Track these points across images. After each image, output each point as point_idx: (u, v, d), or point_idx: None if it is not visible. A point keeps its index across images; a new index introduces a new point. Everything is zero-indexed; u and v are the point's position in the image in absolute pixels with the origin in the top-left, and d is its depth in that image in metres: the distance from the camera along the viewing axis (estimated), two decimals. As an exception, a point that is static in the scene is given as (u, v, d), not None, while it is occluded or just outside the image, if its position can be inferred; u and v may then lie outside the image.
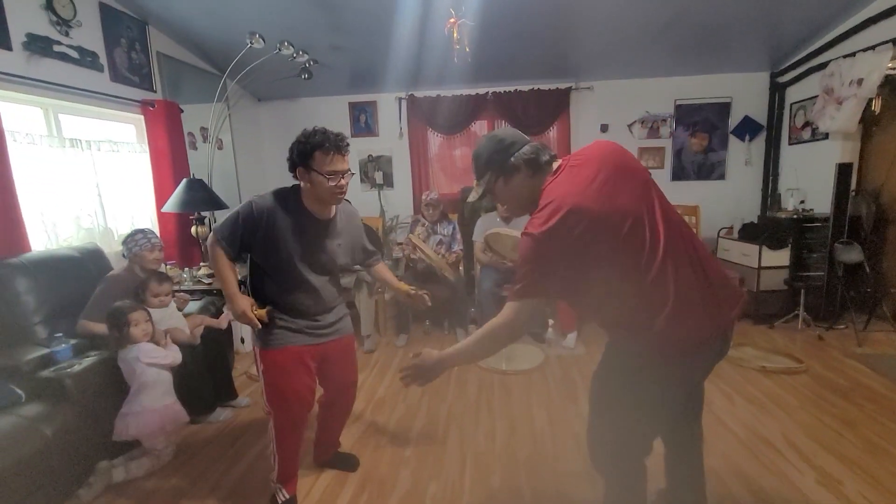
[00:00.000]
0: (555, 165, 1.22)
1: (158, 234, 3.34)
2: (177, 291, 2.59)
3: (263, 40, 3.07)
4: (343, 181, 1.53)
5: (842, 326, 3.34)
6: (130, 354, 1.96)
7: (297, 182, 1.58)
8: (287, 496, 1.71)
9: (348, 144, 1.55)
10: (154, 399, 1.97)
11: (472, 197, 1.34)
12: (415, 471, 1.91)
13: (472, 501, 1.72)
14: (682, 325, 1.09)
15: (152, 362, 2.00)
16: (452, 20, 1.95)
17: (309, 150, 1.49)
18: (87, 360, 1.95)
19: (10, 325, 2.09)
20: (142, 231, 2.44)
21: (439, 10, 2.89)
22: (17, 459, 1.56)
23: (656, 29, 3.59)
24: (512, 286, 1.15)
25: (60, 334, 1.98)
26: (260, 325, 1.55)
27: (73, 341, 2.00)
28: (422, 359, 1.28)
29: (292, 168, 1.55)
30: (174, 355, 2.09)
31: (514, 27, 3.49)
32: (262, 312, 1.55)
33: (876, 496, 1.67)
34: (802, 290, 3.41)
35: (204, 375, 2.37)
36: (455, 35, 1.92)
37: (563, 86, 4.46)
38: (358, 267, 1.92)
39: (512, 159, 1.22)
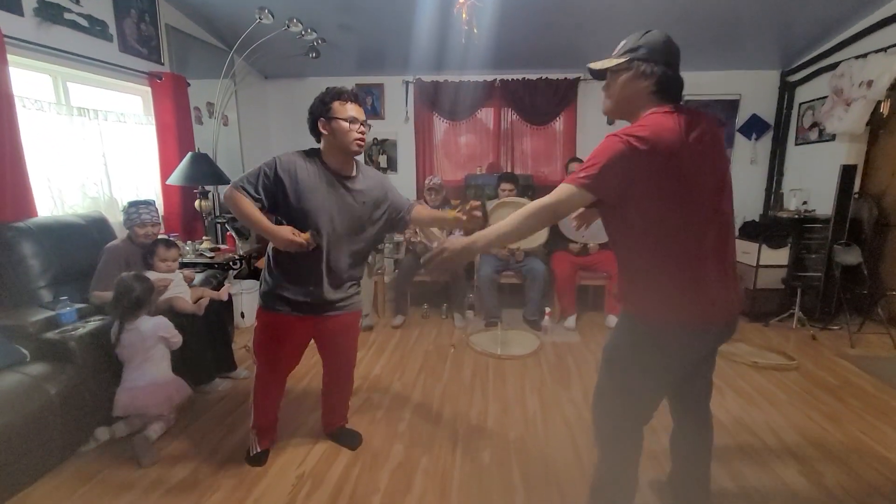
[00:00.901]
0: (672, 106, 1.19)
1: (161, 206, 3.40)
2: (182, 265, 2.61)
3: (272, 16, 3.06)
4: (363, 128, 1.61)
5: (836, 327, 3.37)
6: (146, 325, 1.99)
7: (315, 147, 1.67)
8: (259, 449, 1.82)
9: (362, 98, 1.66)
10: (162, 372, 2.03)
11: (596, 65, 1.28)
12: (408, 445, 1.96)
13: (462, 476, 1.77)
14: (697, 296, 1.17)
15: (167, 336, 2.04)
16: (462, 1, 1.94)
17: (328, 101, 1.59)
18: (91, 324, 1.99)
19: (15, 287, 2.13)
20: (135, 205, 2.39)
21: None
22: (23, 415, 1.61)
23: (667, 22, 3.55)
24: (575, 174, 1.17)
25: (66, 298, 2.02)
26: (308, 246, 1.53)
27: (77, 305, 2.04)
28: (450, 243, 1.28)
29: (314, 124, 1.63)
30: (179, 337, 2.12)
31: (524, 14, 3.46)
32: (307, 235, 1.54)
33: (855, 488, 1.71)
34: (799, 290, 3.43)
35: (205, 346, 2.41)
36: (464, 16, 1.91)
37: (571, 76, 4.45)
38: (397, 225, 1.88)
39: (656, 67, 1.19)
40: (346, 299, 1.77)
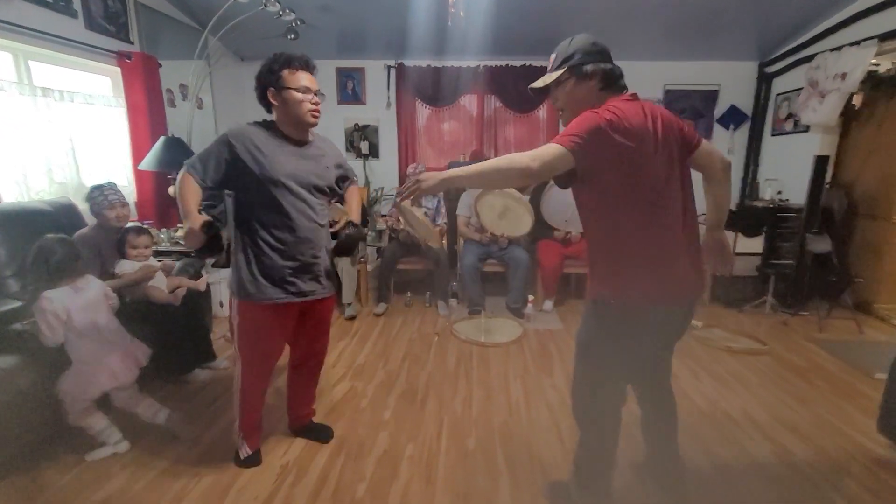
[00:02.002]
0: (629, 95, 1.28)
1: (134, 192, 3.28)
2: (157, 253, 2.53)
3: (249, -6, 2.95)
4: (317, 98, 1.53)
5: (806, 313, 3.49)
6: (94, 285, 1.79)
7: (266, 118, 1.59)
8: (249, 451, 1.74)
9: (315, 66, 1.56)
10: (122, 335, 1.85)
11: (538, 84, 1.35)
12: (393, 433, 1.96)
13: (448, 462, 1.78)
14: (661, 274, 1.25)
15: (109, 295, 1.86)
16: None
17: (277, 69, 1.50)
18: (62, 315, 1.91)
19: (-21, 277, 2.03)
20: (98, 187, 2.26)
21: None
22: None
23: (647, 12, 3.58)
24: (563, 135, 1.20)
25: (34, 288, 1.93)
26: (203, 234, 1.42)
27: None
28: (424, 176, 1.32)
29: (262, 94, 1.53)
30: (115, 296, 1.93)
31: (508, 0, 3.42)
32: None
33: (823, 466, 1.80)
34: (772, 277, 3.54)
35: (183, 337, 2.35)
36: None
37: (555, 63, 4.43)
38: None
39: (591, 66, 1.26)
40: (324, 277, 1.68)
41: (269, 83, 1.51)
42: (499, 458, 1.81)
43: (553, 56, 1.35)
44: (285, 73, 1.49)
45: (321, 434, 1.92)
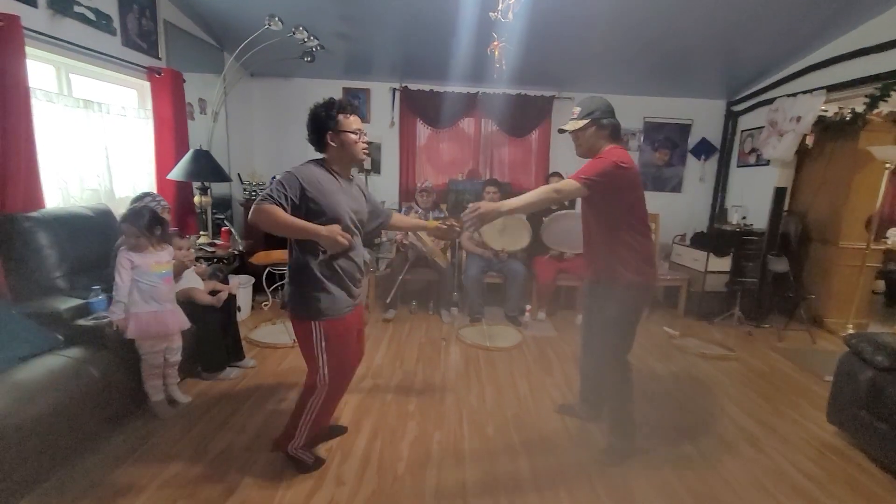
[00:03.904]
0: (621, 144, 1.90)
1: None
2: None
3: (282, 23, 3.20)
4: (365, 138, 1.72)
5: (767, 325, 3.93)
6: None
7: (315, 158, 1.74)
8: (313, 458, 1.83)
9: (357, 107, 1.80)
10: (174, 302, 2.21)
11: (569, 126, 1.89)
12: (420, 422, 2.21)
13: (472, 446, 2.04)
14: (652, 268, 1.92)
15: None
16: (495, 43, 2.23)
17: (334, 115, 1.66)
18: (118, 313, 2.08)
19: (34, 277, 2.18)
20: (150, 194, 2.55)
21: (444, 5, 3.18)
22: (71, 394, 1.71)
23: (633, 52, 4.02)
24: (578, 174, 1.77)
25: (98, 287, 2.10)
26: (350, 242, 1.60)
27: (107, 294, 2.12)
28: (483, 205, 1.76)
29: (320, 137, 1.67)
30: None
31: (509, 36, 3.77)
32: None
33: (785, 450, 2.15)
34: (739, 293, 3.97)
35: (217, 337, 2.54)
36: (497, 54, 2.19)
37: (547, 94, 4.84)
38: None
39: (607, 120, 1.86)
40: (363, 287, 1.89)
41: (328, 127, 1.65)
42: (515, 442, 2.08)
43: (578, 108, 1.91)
44: (341, 117, 1.65)
45: (336, 431, 2.08)
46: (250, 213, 1.56)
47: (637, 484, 1.84)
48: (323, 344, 1.67)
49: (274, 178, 1.64)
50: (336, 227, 1.60)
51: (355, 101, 4.86)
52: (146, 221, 2.07)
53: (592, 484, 1.83)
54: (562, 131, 1.93)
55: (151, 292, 2.07)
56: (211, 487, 1.71)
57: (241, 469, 1.82)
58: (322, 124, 1.67)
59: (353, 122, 1.69)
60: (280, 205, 1.56)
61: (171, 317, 2.14)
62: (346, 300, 1.73)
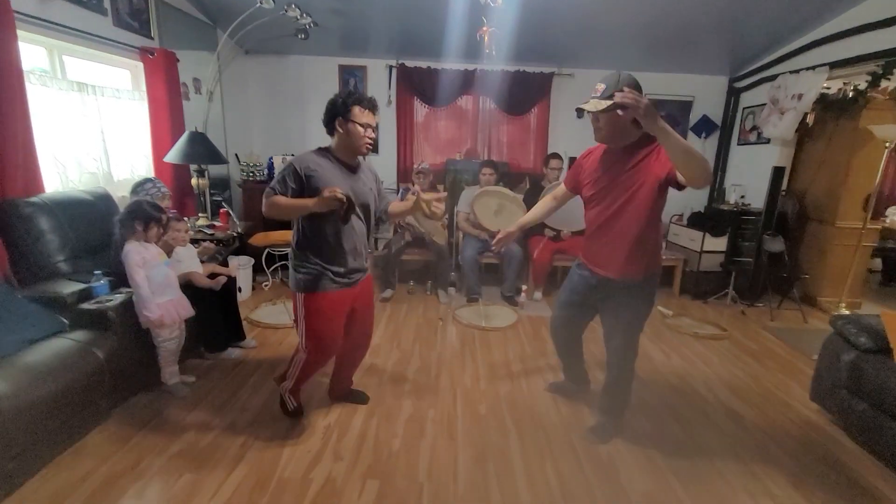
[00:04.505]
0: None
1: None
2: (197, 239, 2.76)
3: (274, 1, 3.14)
4: (373, 133, 1.80)
5: (761, 304, 3.98)
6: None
7: (320, 146, 1.83)
8: (294, 404, 2.07)
9: (378, 107, 1.83)
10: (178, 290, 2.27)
11: (590, 106, 1.61)
12: (414, 401, 2.29)
13: (465, 424, 2.12)
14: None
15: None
16: (485, 28, 2.18)
17: (350, 103, 1.73)
18: (120, 296, 2.14)
19: (37, 261, 2.23)
20: (151, 180, 2.59)
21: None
22: (79, 374, 1.79)
23: (636, 27, 3.93)
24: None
25: (100, 272, 2.15)
26: (345, 203, 1.64)
27: (109, 279, 2.17)
28: (513, 226, 2.00)
29: (331, 120, 1.76)
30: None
31: (509, 11, 3.70)
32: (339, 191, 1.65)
33: (767, 427, 2.22)
34: (734, 273, 4.01)
35: (218, 318, 2.60)
36: (486, 40, 2.16)
37: (546, 70, 4.76)
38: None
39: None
40: (365, 268, 1.97)
41: (340, 113, 1.73)
42: (507, 421, 2.16)
43: (602, 85, 1.61)
44: (356, 108, 1.73)
45: (359, 398, 2.26)
46: (263, 207, 1.73)
47: (621, 460, 1.92)
48: (302, 314, 1.83)
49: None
50: (324, 191, 1.65)
51: (351, 78, 4.92)
52: (143, 217, 2.11)
53: (579, 460, 1.91)
54: (580, 112, 1.66)
55: (164, 282, 2.14)
56: (216, 461, 1.80)
57: (243, 444, 1.91)
58: (336, 110, 1.75)
59: (365, 116, 1.76)
60: (283, 194, 1.72)
61: (183, 303, 2.23)
62: (331, 277, 1.81)
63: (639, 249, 1.77)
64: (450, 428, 2.09)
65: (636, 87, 1.57)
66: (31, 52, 2.59)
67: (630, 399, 2.09)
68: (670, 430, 2.16)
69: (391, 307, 3.61)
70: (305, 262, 1.81)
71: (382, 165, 5.06)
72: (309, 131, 4.91)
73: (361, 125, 1.74)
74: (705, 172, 1.45)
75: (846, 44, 3.51)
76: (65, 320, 1.98)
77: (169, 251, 2.39)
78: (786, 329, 3.50)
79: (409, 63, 4.77)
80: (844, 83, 3.65)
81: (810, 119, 3.83)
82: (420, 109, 5.01)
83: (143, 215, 2.11)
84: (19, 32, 2.38)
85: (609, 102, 1.54)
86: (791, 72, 3.93)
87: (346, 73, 4.90)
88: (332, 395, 2.27)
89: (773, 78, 4.15)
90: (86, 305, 2.03)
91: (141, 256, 2.07)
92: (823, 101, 3.78)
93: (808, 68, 3.78)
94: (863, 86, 3.41)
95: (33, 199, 2.29)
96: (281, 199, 1.71)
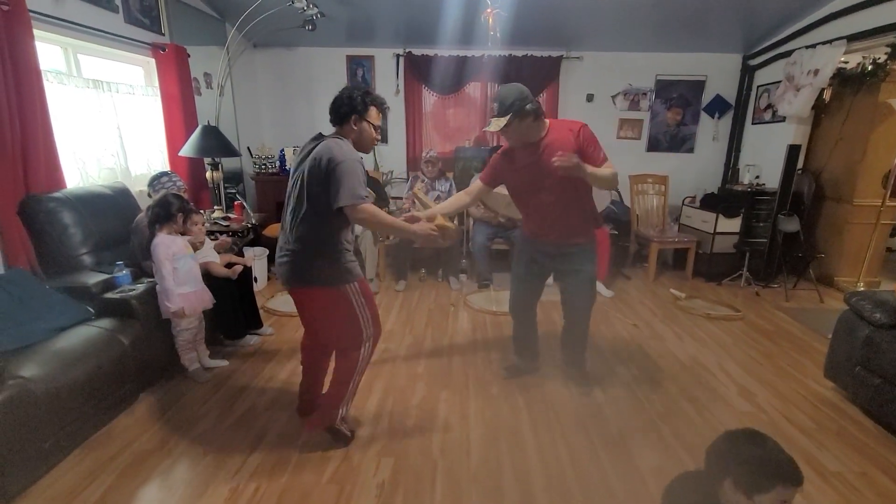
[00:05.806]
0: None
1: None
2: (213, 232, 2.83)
3: (280, -7, 3.16)
4: (378, 136, 1.84)
5: (776, 285, 3.94)
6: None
7: (335, 136, 1.74)
8: (350, 428, 1.91)
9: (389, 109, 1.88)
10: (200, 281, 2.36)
11: (493, 127, 1.84)
12: (427, 383, 2.34)
13: (477, 405, 2.16)
14: None
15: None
16: (489, 10, 2.19)
17: (368, 103, 1.74)
18: (142, 286, 2.22)
19: (62, 254, 2.31)
20: (167, 174, 2.65)
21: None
22: (106, 360, 1.87)
23: (646, 7, 3.87)
24: (603, 159, 1.92)
25: (121, 262, 2.23)
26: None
27: (130, 269, 2.26)
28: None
29: (347, 115, 1.71)
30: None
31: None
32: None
33: (780, 405, 2.22)
34: (748, 254, 3.96)
35: (236, 306, 2.68)
36: (490, 22, 2.16)
37: (555, 54, 4.71)
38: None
39: (529, 106, 1.82)
40: None
41: (359, 111, 1.71)
42: (518, 401, 2.20)
43: (496, 105, 1.88)
44: (373, 110, 1.74)
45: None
46: (354, 213, 1.60)
47: (631, 436, 1.95)
48: (363, 300, 1.76)
49: (336, 163, 1.58)
50: (425, 226, 1.79)
51: (359, 68, 4.93)
52: (175, 210, 2.22)
53: (590, 438, 1.94)
54: (484, 134, 1.92)
55: (188, 274, 2.23)
56: (237, 443, 1.87)
57: (263, 427, 1.98)
58: (354, 106, 1.71)
59: (378, 118, 1.79)
60: (370, 199, 1.68)
61: (204, 294, 2.31)
62: (358, 268, 1.83)
63: (582, 216, 2.07)
64: (462, 408, 2.13)
65: (525, 96, 1.83)
66: (48, 51, 2.66)
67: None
68: (681, 408, 2.17)
69: (403, 295, 3.66)
70: (343, 251, 1.73)
71: (391, 154, 5.10)
72: (318, 123, 4.95)
73: (375, 127, 1.78)
74: (613, 185, 2.00)
75: (864, 15, 3.40)
76: (90, 309, 2.06)
77: (195, 248, 2.47)
78: (801, 309, 3.46)
79: (417, 51, 4.77)
80: (863, 56, 3.55)
81: (827, 95, 3.74)
82: (428, 98, 5.01)
83: (181, 207, 2.25)
84: (35, 32, 2.45)
85: (507, 118, 1.82)
86: (807, 47, 3.83)
87: (353, 63, 4.92)
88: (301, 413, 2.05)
89: (788, 54, 4.05)
90: (110, 295, 2.11)
91: (170, 250, 2.16)
92: (841, 76, 3.68)
93: (824, 42, 3.68)
94: (882, 58, 3.31)
95: (56, 194, 2.37)
96: (379, 212, 1.67)
